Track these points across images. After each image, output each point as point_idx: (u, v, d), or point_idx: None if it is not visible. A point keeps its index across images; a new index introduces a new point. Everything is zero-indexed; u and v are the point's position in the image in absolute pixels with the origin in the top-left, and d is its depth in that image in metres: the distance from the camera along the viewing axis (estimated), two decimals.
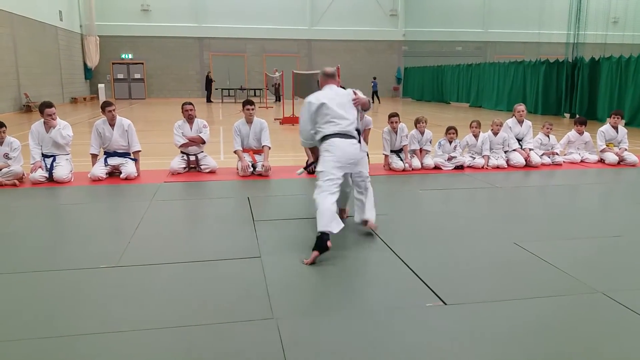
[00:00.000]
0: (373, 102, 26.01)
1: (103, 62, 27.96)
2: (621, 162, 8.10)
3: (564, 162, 8.15)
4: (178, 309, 3.04)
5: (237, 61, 29.74)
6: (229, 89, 26.56)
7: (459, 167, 7.55)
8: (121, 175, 6.75)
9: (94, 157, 6.93)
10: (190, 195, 6.18)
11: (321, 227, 3.87)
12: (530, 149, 7.93)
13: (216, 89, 26.94)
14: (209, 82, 26.62)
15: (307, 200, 5.78)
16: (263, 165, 6.95)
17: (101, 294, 3.25)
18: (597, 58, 16.78)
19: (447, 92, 26.75)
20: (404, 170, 7.37)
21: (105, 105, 6.88)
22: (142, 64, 28.68)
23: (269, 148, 7.20)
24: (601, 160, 8.24)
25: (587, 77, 16.96)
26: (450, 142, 7.68)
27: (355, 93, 4.46)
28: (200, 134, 7.23)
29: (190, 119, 7.27)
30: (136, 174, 6.82)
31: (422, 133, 7.64)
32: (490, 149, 7.84)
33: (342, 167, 4.15)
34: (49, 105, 6.66)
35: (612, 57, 16.12)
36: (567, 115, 17.84)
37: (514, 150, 7.91)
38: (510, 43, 31.56)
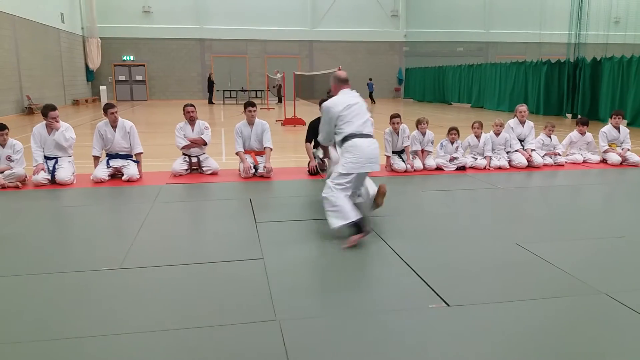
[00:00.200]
0: (373, 103, 26.01)
1: (105, 64, 28.01)
2: (624, 162, 8.09)
3: (566, 162, 8.14)
4: (181, 310, 3.04)
5: (238, 63, 29.77)
6: (230, 91, 26.59)
7: (461, 168, 7.55)
8: (123, 177, 6.76)
9: (96, 159, 6.95)
10: (192, 197, 6.18)
11: (349, 218, 4.13)
12: (532, 150, 7.92)
13: (218, 90, 26.98)
14: (210, 83, 26.67)
15: (309, 201, 5.79)
16: (265, 167, 6.96)
17: (104, 296, 3.25)
18: (598, 58, 16.76)
19: (449, 93, 26.74)
20: (405, 171, 7.37)
21: (107, 107, 6.89)
22: (144, 65, 28.72)
23: (271, 149, 7.20)
24: (603, 161, 8.23)
25: (589, 77, 16.94)
26: (452, 143, 7.68)
27: None
28: (202, 136, 7.24)
29: (191, 121, 7.28)
30: (138, 176, 6.82)
31: (424, 134, 7.63)
32: (492, 149, 7.83)
33: (362, 167, 4.30)
34: (53, 108, 6.68)
35: (613, 57, 16.10)
36: (569, 115, 17.81)
37: (515, 150, 7.90)
38: (512, 43, 31.54)
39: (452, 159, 7.57)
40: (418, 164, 7.51)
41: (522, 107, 8.18)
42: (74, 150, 6.93)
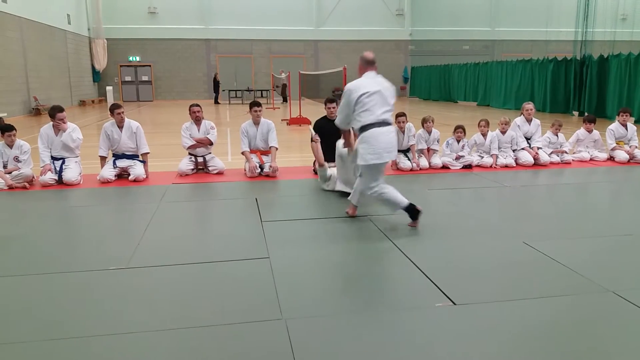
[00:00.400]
0: None
1: (111, 65, 28.13)
2: (631, 159, 8.03)
3: (573, 160, 8.09)
4: (187, 310, 3.05)
5: (243, 62, 29.81)
6: (236, 91, 26.64)
7: (467, 166, 7.53)
8: (130, 177, 6.79)
9: (103, 159, 6.98)
10: (198, 197, 6.20)
11: (402, 204, 4.49)
12: (538, 148, 7.88)
13: (223, 90, 27.03)
14: (216, 83, 26.73)
15: (315, 200, 5.80)
16: (270, 166, 6.96)
17: (111, 296, 3.27)
18: (605, 55, 16.65)
19: (455, 91, 26.65)
20: (411, 169, 7.36)
21: (113, 108, 6.92)
22: (150, 66, 28.82)
23: (276, 149, 7.21)
24: (611, 159, 8.18)
25: (596, 74, 16.83)
26: (458, 141, 7.66)
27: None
28: (207, 136, 7.26)
29: (197, 121, 7.30)
30: (145, 176, 6.85)
31: (430, 132, 7.62)
32: (499, 147, 7.80)
33: (379, 157, 4.36)
34: (60, 109, 6.71)
35: (620, 54, 15.99)
36: (576, 113, 17.71)
37: (522, 149, 7.87)
38: (518, 41, 31.38)
39: (458, 158, 7.55)
40: (424, 162, 7.49)
41: (529, 105, 8.14)
42: (81, 151, 6.96)
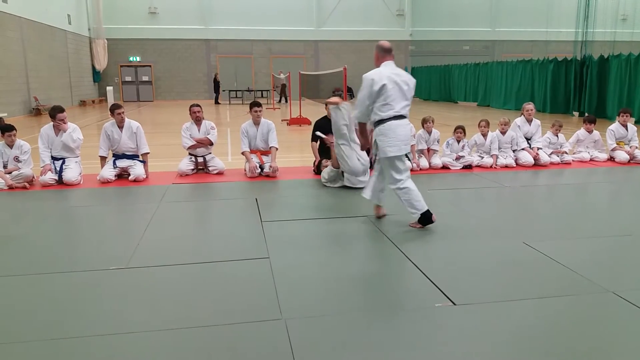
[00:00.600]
0: None
1: (111, 65, 28.14)
2: (632, 160, 8.03)
3: (573, 160, 8.09)
4: (187, 309, 3.05)
5: (244, 63, 29.81)
6: (236, 91, 26.64)
7: (467, 167, 7.53)
8: (130, 177, 6.79)
9: (103, 159, 6.98)
10: (198, 197, 6.20)
11: (420, 210, 4.45)
12: (539, 148, 7.88)
13: (223, 90, 27.04)
14: (216, 84, 26.74)
15: (315, 201, 5.80)
16: (270, 166, 6.96)
17: (111, 296, 3.27)
18: (606, 56, 16.64)
19: (455, 92, 26.65)
20: (411, 170, 7.34)
21: (114, 108, 6.92)
22: (150, 66, 28.83)
23: (277, 149, 7.21)
24: (611, 159, 8.18)
25: (596, 75, 16.83)
26: (459, 142, 7.65)
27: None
28: (208, 136, 7.26)
29: (197, 121, 7.30)
30: (145, 176, 6.85)
31: (430, 133, 7.62)
32: (499, 148, 7.80)
33: (400, 149, 4.36)
34: (61, 110, 6.72)
35: (621, 54, 15.99)
36: (576, 113, 17.71)
37: (522, 149, 7.87)
38: (518, 42, 31.38)
39: (458, 158, 7.55)
40: (424, 162, 7.49)
41: (529, 106, 8.14)
42: (81, 151, 6.97)
